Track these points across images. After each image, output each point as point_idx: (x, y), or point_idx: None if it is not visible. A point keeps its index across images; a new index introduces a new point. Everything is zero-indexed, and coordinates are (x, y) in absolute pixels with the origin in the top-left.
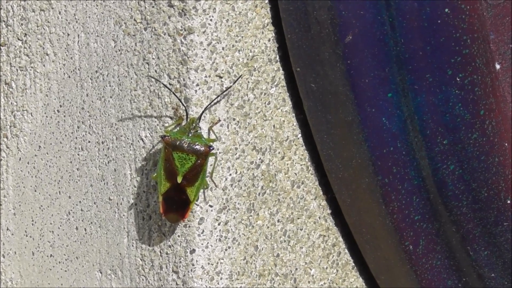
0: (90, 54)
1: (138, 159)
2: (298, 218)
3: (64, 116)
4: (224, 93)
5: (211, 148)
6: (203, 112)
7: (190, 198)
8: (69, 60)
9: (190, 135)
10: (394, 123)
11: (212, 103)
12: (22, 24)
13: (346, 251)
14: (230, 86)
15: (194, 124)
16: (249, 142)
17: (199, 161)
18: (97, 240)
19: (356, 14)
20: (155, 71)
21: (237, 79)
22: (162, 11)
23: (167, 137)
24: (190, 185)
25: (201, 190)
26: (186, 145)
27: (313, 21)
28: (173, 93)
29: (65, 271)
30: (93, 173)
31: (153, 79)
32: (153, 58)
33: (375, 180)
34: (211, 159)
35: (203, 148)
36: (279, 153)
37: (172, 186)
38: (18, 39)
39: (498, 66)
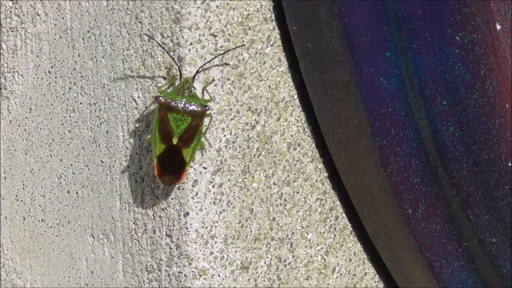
0: (82, 14)
1: (130, 120)
2: (295, 181)
3: (56, 77)
4: (220, 55)
5: (207, 108)
6: (197, 71)
7: (185, 160)
8: (60, 20)
9: (184, 95)
10: (393, 83)
11: (206, 63)
12: None
13: (344, 215)
14: (228, 50)
15: (188, 84)
16: (244, 103)
17: (194, 122)
18: (89, 203)
19: None
20: (148, 30)
21: (238, 47)
22: None
23: (161, 98)
24: (186, 146)
25: (196, 152)
26: (181, 106)
27: None
28: (166, 51)
29: (57, 236)
30: (84, 135)
31: (146, 38)
32: (146, 17)
33: (373, 142)
34: (206, 120)
35: (199, 108)
36: (274, 114)
37: (167, 148)
38: None
39: (498, 27)
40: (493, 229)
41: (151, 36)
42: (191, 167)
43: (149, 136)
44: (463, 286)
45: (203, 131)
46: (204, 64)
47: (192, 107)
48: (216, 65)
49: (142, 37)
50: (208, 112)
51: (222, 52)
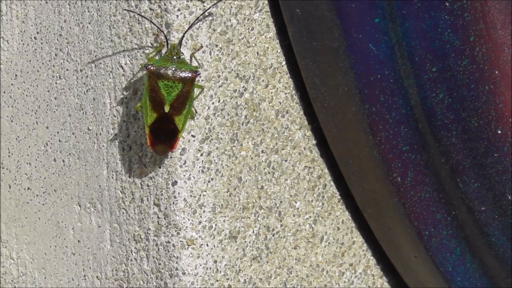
0: None
1: (118, 87)
2: (283, 149)
3: (41, 43)
4: (204, 16)
5: (198, 73)
6: (183, 36)
7: (178, 128)
8: None
9: (174, 61)
10: (382, 49)
11: (192, 27)
12: None
13: (332, 183)
14: (209, 7)
15: (175, 50)
16: (232, 70)
17: (185, 88)
18: (75, 172)
19: None
20: None
21: (218, 1)
22: None
23: (150, 66)
24: (178, 113)
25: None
26: (171, 72)
27: None
28: (151, 20)
29: (43, 204)
30: (71, 102)
31: (133, 3)
32: None
33: (362, 109)
34: (196, 90)
35: (189, 74)
36: (263, 81)
37: (159, 116)
38: None
39: None
40: (482, 197)
41: (130, 10)
42: None
43: (138, 104)
44: (452, 255)
45: (194, 98)
46: (190, 28)
47: (183, 73)
48: (198, 27)
49: (129, 2)
50: (197, 78)
51: (205, 11)
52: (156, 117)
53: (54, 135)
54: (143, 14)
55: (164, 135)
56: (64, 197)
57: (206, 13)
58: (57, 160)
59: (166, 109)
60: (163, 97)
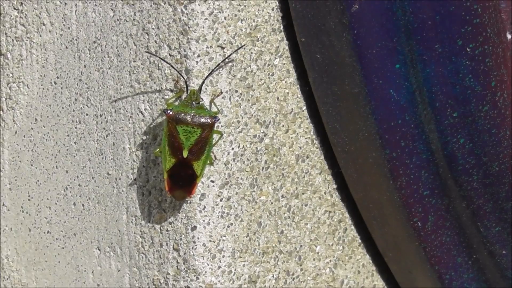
0: (88, 24)
1: (137, 132)
2: (303, 194)
3: (61, 88)
4: (225, 62)
5: (217, 119)
6: (203, 82)
7: (196, 173)
8: (66, 30)
9: (193, 107)
10: (402, 95)
11: (212, 73)
12: None
13: (353, 227)
14: (230, 54)
15: (195, 96)
16: (252, 115)
17: (204, 134)
18: (95, 216)
19: None
20: (155, 41)
21: (238, 48)
22: None
23: (169, 111)
24: (197, 159)
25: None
26: (190, 118)
27: None
28: (171, 65)
29: (63, 248)
30: (91, 147)
31: (153, 49)
32: (153, 28)
33: (383, 154)
34: (215, 136)
35: (208, 119)
36: (283, 126)
37: (177, 161)
38: (14, 8)
39: (509, 36)
40: (503, 241)
41: (153, 53)
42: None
43: (157, 149)
44: None
45: (213, 144)
46: (210, 74)
47: (202, 119)
48: (219, 73)
49: (149, 49)
50: (217, 124)
51: (224, 58)
52: (175, 162)
53: (74, 180)
54: (163, 59)
55: (183, 180)
56: (83, 241)
57: (227, 60)
58: (77, 204)
59: (185, 154)
60: (182, 143)
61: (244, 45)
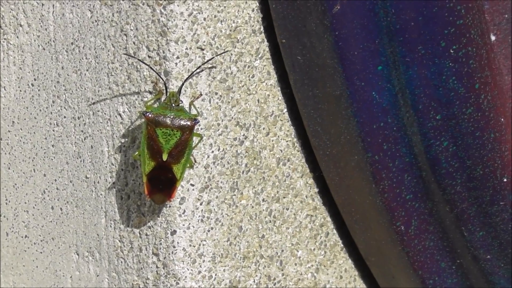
0: (66, 25)
1: (116, 135)
2: (284, 197)
3: (39, 90)
4: (205, 65)
5: (197, 122)
6: (182, 84)
7: (176, 176)
8: (43, 31)
9: (172, 109)
10: (385, 97)
11: (192, 76)
12: None
13: (335, 231)
14: (212, 58)
15: (174, 98)
16: (232, 118)
17: (184, 136)
18: (73, 220)
19: None
20: (133, 43)
21: (222, 53)
22: None
23: (148, 113)
24: (176, 162)
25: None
26: (169, 120)
27: None
28: (150, 67)
29: (41, 252)
30: (69, 150)
31: (131, 51)
32: (131, 29)
33: (365, 157)
34: (195, 139)
35: (188, 122)
36: (263, 129)
37: (157, 165)
38: None
39: (493, 38)
40: (487, 246)
41: (131, 55)
42: None
43: (136, 153)
44: None
45: (192, 147)
46: (190, 77)
47: (181, 121)
48: (198, 75)
49: (128, 50)
50: (196, 127)
51: (205, 61)
52: (154, 165)
53: (52, 183)
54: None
55: (162, 184)
56: (62, 245)
57: (207, 63)
58: (55, 208)
59: (164, 157)
60: (161, 145)
61: (227, 50)
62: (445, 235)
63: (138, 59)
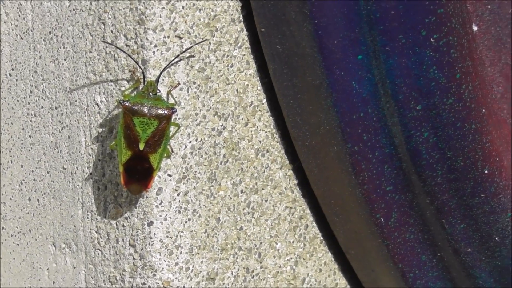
0: (43, 14)
1: (93, 125)
2: (263, 189)
3: (16, 80)
4: (183, 54)
5: (174, 111)
6: (160, 73)
7: (153, 166)
8: (21, 20)
9: (150, 98)
10: (365, 87)
11: (170, 65)
12: None
13: (314, 224)
14: (191, 47)
15: (152, 87)
16: (210, 107)
17: (161, 126)
18: (50, 211)
19: None
20: (111, 31)
21: (201, 42)
22: None
23: (126, 102)
24: (153, 152)
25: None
26: (147, 109)
27: None
28: (128, 55)
29: (17, 244)
30: (46, 141)
31: (109, 39)
32: (109, 18)
33: (344, 148)
34: (172, 128)
35: (165, 111)
36: (242, 119)
37: (133, 154)
38: None
39: (475, 28)
40: (468, 239)
41: (109, 43)
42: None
43: (113, 142)
44: None
45: (170, 136)
46: (168, 66)
47: (159, 110)
48: (176, 64)
49: (106, 39)
50: (174, 116)
51: (184, 50)
52: (131, 155)
53: (29, 174)
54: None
55: (139, 174)
56: (39, 237)
57: (186, 52)
58: (32, 200)
59: (141, 146)
60: (138, 134)
61: (206, 39)
62: (426, 227)
63: (116, 47)
